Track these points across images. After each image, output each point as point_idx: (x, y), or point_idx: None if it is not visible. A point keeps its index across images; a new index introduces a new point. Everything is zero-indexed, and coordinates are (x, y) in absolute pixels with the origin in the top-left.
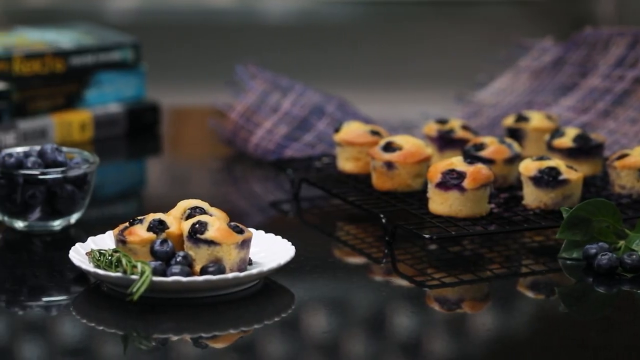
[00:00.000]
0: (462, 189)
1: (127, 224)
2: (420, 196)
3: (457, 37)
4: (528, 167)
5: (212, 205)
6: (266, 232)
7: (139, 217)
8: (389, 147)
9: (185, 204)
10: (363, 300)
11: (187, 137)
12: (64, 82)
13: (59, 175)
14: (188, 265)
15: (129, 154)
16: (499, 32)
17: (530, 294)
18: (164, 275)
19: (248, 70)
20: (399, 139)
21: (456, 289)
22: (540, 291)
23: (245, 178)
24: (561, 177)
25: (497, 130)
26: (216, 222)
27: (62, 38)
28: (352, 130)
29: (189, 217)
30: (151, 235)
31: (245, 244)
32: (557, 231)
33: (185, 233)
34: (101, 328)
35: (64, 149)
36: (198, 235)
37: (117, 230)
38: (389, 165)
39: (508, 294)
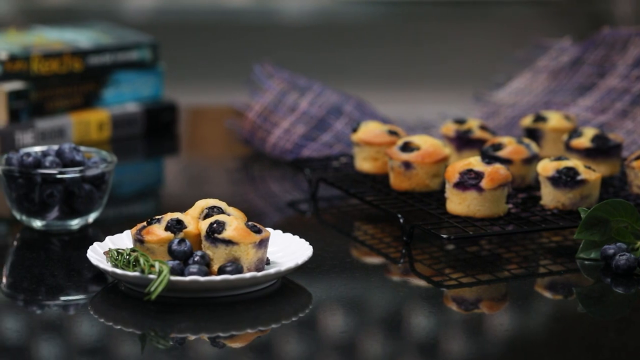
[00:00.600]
0: (480, 189)
1: (144, 223)
2: (438, 196)
3: (475, 37)
4: (546, 167)
5: (229, 204)
6: (284, 231)
7: (156, 217)
8: (406, 147)
9: (203, 204)
10: (380, 300)
11: (205, 136)
12: (82, 82)
13: (77, 175)
14: (206, 265)
15: (147, 154)
16: (517, 32)
17: (548, 295)
18: (182, 274)
19: (266, 69)
20: (417, 139)
21: (474, 289)
22: (558, 291)
23: (262, 178)
24: (579, 178)
25: (515, 131)
26: (234, 222)
27: (80, 37)
28: (369, 130)
29: (206, 216)
30: (169, 234)
31: (263, 243)
32: (575, 231)
33: (203, 232)
34: (119, 327)
35: (82, 148)
36: (216, 235)
37: (134, 229)
38: (407, 165)
39: (526, 294)
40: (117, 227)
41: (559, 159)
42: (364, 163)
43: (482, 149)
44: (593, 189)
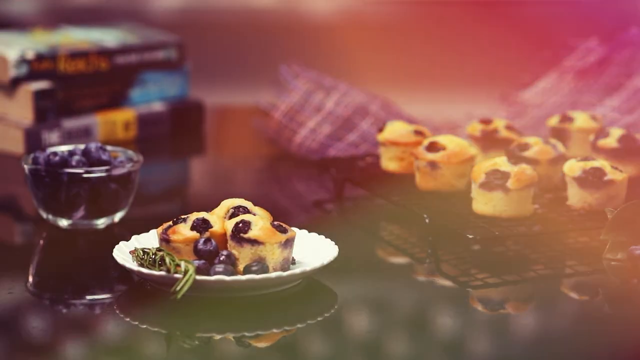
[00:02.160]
0: (506, 190)
1: (170, 222)
2: (463, 196)
3: (501, 37)
4: (572, 167)
5: (255, 204)
6: (309, 231)
7: (182, 216)
8: (432, 147)
9: (228, 203)
10: (406, 300)
11: (231, 136)
12: (108, 81)
13: (103, 174)
14: (231, 264)
15: (173, 153)
16: (544, 32)
17: (574, 295)
18: (207, 274)
19: (292, 69)
20: (443, 139)
21: (500, 289)
22: (585, 292)
23: (288, 177)
24: (606, 178)
25: (541, 131)
26: (259, 221)
27: (107, 37)
28: (395, 130)
29: (232, 216)
30: (195, 234)
31: (289, 243)
32: (602, 232)
33: (229, 232)
34: (144, 326)
35: (108, 147)
36: (241, 235)
37: (160, 228)
38: (433, 165)
39: (552, 294)
40: (143, 227)
41: (585, 159)
42: (389, 163)
43: (508, 149)
44: (620, 190)
